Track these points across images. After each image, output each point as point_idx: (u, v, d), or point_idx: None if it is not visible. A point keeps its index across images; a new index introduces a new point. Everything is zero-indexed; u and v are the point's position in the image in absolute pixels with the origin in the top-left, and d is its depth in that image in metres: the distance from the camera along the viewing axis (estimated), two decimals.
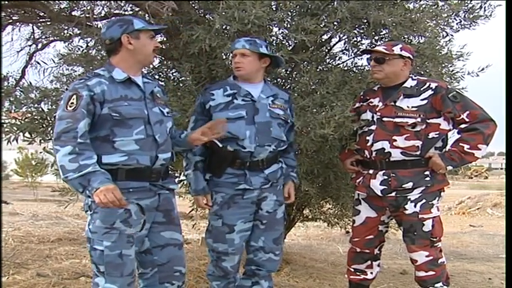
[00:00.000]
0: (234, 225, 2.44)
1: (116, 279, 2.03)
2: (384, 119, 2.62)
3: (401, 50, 2.60)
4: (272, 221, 2.52)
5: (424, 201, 2.58)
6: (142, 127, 2.06)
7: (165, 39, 3.21)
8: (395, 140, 2.58)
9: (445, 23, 3.23)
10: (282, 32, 3.11)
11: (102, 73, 2.08)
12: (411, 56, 2.64)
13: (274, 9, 2.93)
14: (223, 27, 2.71)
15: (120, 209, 2.01)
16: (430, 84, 2.60)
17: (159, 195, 2.15)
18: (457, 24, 3.30)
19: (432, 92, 2.57)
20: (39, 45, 3.90)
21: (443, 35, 3.35)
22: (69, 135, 1.94)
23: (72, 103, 1.97)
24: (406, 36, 3.07)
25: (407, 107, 2.58)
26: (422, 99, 2.57)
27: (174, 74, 3.24)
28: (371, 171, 2.67)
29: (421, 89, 2.60)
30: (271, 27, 2.97)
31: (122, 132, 2.02)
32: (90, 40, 3.14)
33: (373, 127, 2.65)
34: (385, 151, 2.60)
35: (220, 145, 2.37)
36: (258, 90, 2.48)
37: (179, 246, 2.24)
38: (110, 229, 2.01)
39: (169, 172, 2.27)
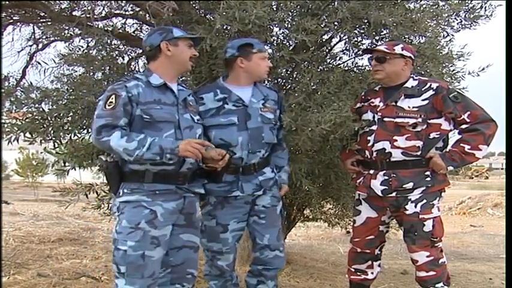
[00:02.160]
0: (227, 225, 2.45)
1: (136, 280, 2.05)
2: (385, 119, 2.62)
3: (402, 50, 2.60)
4: (271, 217, 2.53)
5: (424, 201, 2.58)
6: (172, 131, 2.12)
7: None
8: (396, 140, 2.58)
9: (446, 23, 3.22)
10: (283, 32, 3.11)
11: (140, 77, 2.17)
12: (412, 56, 2.64)
13: (274, 9, 2.93)
14: (224, 27, 2.71)
15: (146, 210, 2.06)
16: (431, 85, 2.59)
17: (185, 199, 2.18)
18: (457, 24, 3.29)
19: (433, 92, 2.57)
20: (40, 46, 3.91)
21: (443, 35, 3.34)
22: (109, 128, 2.01)
23: (111, 102, 2.04)
24: (406, 36, 3.07)
25: (408, 107, 2.58)
26: (423, 100, 2.57)
27: None
28: (371, 172, 2.67)
29: (422, 89, 2.59)
30: (271, 27, 2.96)
31: (151, 135, 2.06)
32: (91, 40, 3.14)
33: (374, 127, 2.65)
34: (386, 151, 2.60)
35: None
36: (248, 94, 2.46)
37: (195, 249, 2.27)
38: (135, 229, 2.05)
39: (197, 176, 2.28)
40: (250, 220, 2.52)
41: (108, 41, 3.18)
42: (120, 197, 2.10)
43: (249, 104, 2.43)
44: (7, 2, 3.27)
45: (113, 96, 2.05)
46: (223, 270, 2.51)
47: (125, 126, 2.04)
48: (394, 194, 2.60)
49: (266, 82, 2.65)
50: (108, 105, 2.03)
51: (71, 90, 2.98)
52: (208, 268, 2.56)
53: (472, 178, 33.21)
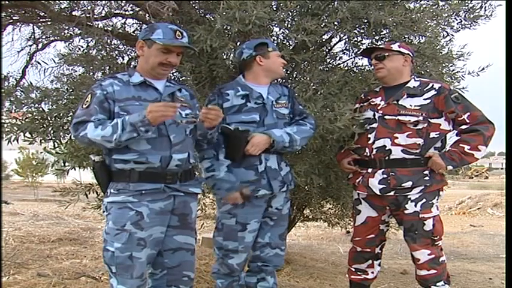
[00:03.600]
0: (247, 224, 2.45)
1: (127, 280, 2.05)
2: (386, 116, 2.63)
3: (399, 47, 2.64)
4: (280, 217, 2.56)
5: (424, 200, 2.59)
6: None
7: None
8: (396, 138, 2.59)
9: (446, 23, 3.23)
10: (283, 32, 3.11)
11: (120, 76, 2.15)
12: (410, 53, 2.66)
13: (274, 9, 2.93)
14: (224, 27, 2.71)
15: (132, 211, 2.04)
16: (433, 85, 2.62)
17: (174, 198, 2.14)
18: (457, 24, 3.30)
19: (435, 92, 2.58)
20: (40, 45, 3.91)
21: (443, 35, 3.35)
22: (83, 123, 2.02)
23: (87, 101, 2.06)
24: (406, 36, 3.07)
25: (410, 105, 2.59)
26: (425, 99, 2.59)
27: (175, 74, 3.24)
28: (370, 170, 2.68)
29: (424, 89, 2.61)
30: (272, 27, 2.97)
31: None
32: (91, 40, 3.14)
33: (374, 125, 2.66)
34: (386, 148, 2.61)
35: (232, 128, 2.36)
36: (265, 92, 2.50)
37: (192, 251, 2.24)
38: (121, 231, 2.04)
39: (194, 175, 2.25)
40: (261, 220, 2.53)
41: (108, 41, 3.18)
42: (107, 197, 2.10)
43: (266, 101, 2.48)
44: (7, 2, 3.27)
45: (89, 95, 2.07)
46: (233, 269, 2.51)
47: (100, 120, 2.04)
48: (393, 193, 2.61)
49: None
50: (84, 105, 2.06)
51: (71, 90, 2.98)
52: (218, 266, 2.56)
53: (472, 178, 33.23)
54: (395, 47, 2.64)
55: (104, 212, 2.14)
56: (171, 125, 2.13)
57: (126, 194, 2.05)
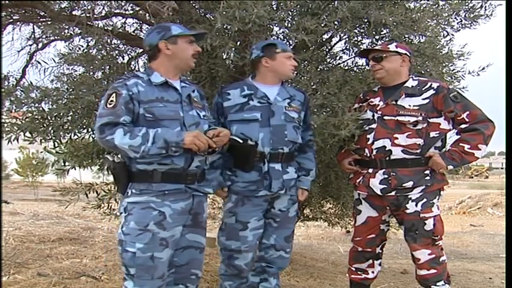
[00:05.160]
0: (247, 223, 2.44)
1: (146, 282, 2.03)
2: (385, 117, 2.62)
3: (396, 47, 2.64)
4: (285, 219, 2.54)
5: (425, 200, 2.59)
6: (178, 129, 2.08)
7: None
8: (396, 138, 2.58)
9: (446, 23, 3.23)
10: (283, 32, 3.11)
11: (141, 75, 2.14)
12: (408, 53, 2.66)
13: (274, 8, 2.93)
14: (224, 26, 2.71)
15: (155, 211, 2.04)
16: (431, 84, 2.61)
17: (193, 198, 2.16)
18: (457, 23, 3.30)
19: (434, 91, 2.58)
20: (40, 45, 3.91)
21: (443, 35, 3.35)
22: (111, 126, 1.98)
23: (111, 101, 2.01)
24: (406, 36, 3.07)
25: (409, 105, 2.59)
26: (423, 99, 2.58)
27: None
28: (370, 171, 2.67)
29: (423, 88, 2.61)
30: (271, 26, 2.97)
31: None
32: (91, 40, 3.14)
33: (373, 125, 2.66)
34: (386, 149, 2.61)
35: (241, 141, 2.36)
36: (274, 92, 2.48)
37: (201, 250, 2.25)
38: (144, 231, 2.02)
39: (205, 176, 2.26)
40: (265, 222, 2.52)
41: (108, 41, 3.18)
42: (128, 197, 2.08)
43: (273, 101, 2.46)
44: (7, 2, 3.27)
45: (114, 94, 2.02)
46: (241, 270, 2.49)
47: (128, 123, 2.01)
48: (393, 193, 2.61)
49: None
50: (109, 104, 2.01)
51: (71, 90, 2.98)
52: (225, 267, 2.54)
53: (472, 177, 33.27)
54: (392, 47, 2.63)
55: (122, 212, 2.11)
56: (191, 126, 2.14)
57: (149, 194, 2.05)
